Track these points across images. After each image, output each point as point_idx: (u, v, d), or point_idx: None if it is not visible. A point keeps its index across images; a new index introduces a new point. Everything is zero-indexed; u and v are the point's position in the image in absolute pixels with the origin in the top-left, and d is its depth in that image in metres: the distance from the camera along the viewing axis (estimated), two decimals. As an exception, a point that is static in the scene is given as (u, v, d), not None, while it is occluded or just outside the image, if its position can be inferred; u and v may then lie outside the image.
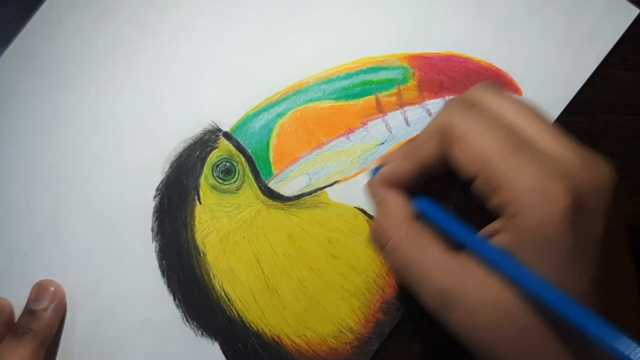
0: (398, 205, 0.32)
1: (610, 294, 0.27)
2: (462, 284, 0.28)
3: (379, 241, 0.32)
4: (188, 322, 0.41)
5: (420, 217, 0.31)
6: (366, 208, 0.42)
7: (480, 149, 0.28)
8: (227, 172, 0.42)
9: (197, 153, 0.42)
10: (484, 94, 0.31)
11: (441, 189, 0.34)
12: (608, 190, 0.27)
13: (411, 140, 0.32)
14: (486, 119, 0.28)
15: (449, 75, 0.42)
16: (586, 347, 0.26)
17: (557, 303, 0.25)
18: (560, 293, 0.25)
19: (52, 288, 0.41)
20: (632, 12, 0.43)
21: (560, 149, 0.27)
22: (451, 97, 0.42)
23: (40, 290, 0.41)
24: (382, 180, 0.33)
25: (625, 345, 0.23)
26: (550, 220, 0.26)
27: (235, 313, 0.41)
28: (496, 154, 0.27)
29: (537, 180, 0.26)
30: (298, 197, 0.42)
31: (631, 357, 0.23)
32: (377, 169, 0.34)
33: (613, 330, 0.24)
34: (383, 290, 0.41)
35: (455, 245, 0.29)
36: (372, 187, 0.34)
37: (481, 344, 0.28)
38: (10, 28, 0.45)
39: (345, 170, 0.42)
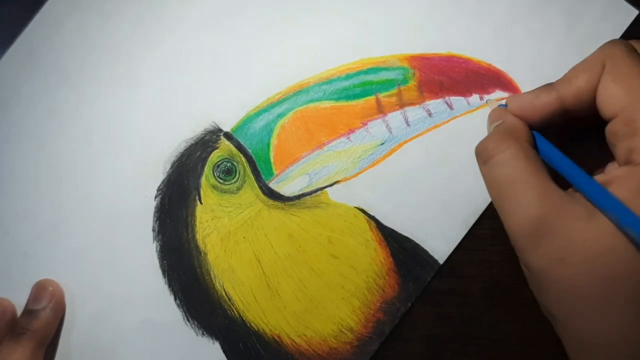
0: (520, 126, 0.31)
1: None
2: (565, 216, 0.27)
3: (487, 152, 0.30)
4: (189, 321, 0.41)
5: (534, 147, 0.30)
6: (366, 208, 0.42)
7: (630, 89, 0.27)
8: (227, 172, 0.42)
9: (198, 153, 0.43)
10: None
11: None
12: None
13: (551, 83, 0.32)
14: None
15: (449, 76, 0.43)
16: None
17: None
18: None
19: (51, 288, 0.41)
20: (631, 12, 0.43)
21: None
22: (451, 97, 0.42)
23: (38, 290, 0.41)
24: (510, 110, 0.32)
25: None
26: None
27: (235, 313, 0.41)
28: None
29: None
30: (298, 197, 0.42)
31: None
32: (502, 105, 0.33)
33: None
34: (383, 290, 0.41)
35: (567, 187, 0.29)
36: (494, 113, 0.33)
37: (561, 282, 0.27)
38: (11, 28, 0.45)
39: (346, 170, 0.42)
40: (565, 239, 0.27)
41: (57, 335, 0.42)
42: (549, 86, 0.31)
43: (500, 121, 0.32)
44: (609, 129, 0.28)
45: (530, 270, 0.28)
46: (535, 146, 0.31)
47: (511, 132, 0.30)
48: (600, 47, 0.30)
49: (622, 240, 0.26)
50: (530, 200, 0.28)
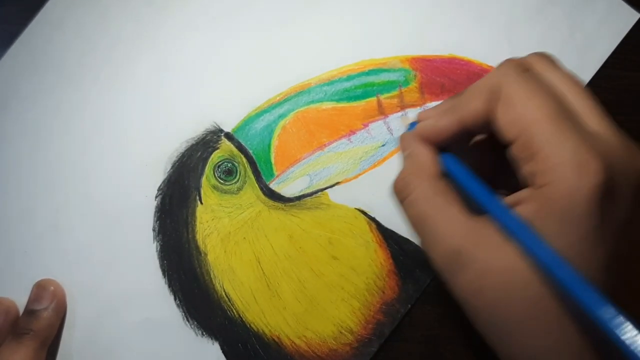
0: (426, 159, 0.32)
1: (624, 280, 0.27)
2: (476, 246, 0.28)
3: (401, 193, 0.32)
4: (188, 321, 0.41)
5: (446, 175, 0.31)
6: (367, 210, 0.42)
7: (524, 112, 0.28)
8: (228, 172, 0.42)
9: (199, 153, 0.43)
10: (539, 61, 0.31)
11: (472, 153, 0.34)
12: None
13: (452, 98, 0.32)
14: (536, 85, 0.28)
15: (450, 78, 0.43)
16: (594, 328, 0.25)
17: (566, 278, 0.25)
18: (572, 269, 0.25)
19: (52, 288, 0.41)
20: (633, 16, 0.43)
21: (603, 128, 0.28)
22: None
23: (39, 290, 0.41)
24: (416, 135, 0.33)
25: (622, 327, 0.23)
26: (580, 195, 0.25)
27: (235, 313, 0.41)
28: (539, 120, 0.27)
29: (574, 153, 0.26)
30: (299, 198, 0.42)
31: (625, 340, 0.23)
32: (413, 124, 0.34)
33: (614, 311, 0.24)
34: (383, 292, 0.41)
35: (476, 209, 0.29)
36: (404, 140, 0.34)
37: (484, 309, 0.28)
38: (11, 28, 0.45)
39: (347, 171, 0.42)
40: (480, 268, 0.27)
41: (58, 335, 0.42)
42: (449, 107, 0.31)
43: (408, 151, 0.33)
44: (510, 153, 0.29)
45: (456, 299, 0.29)
46: (445, 170, 0.31)
47: (419, 169, 0.31)
48: (496, 69, 0.30)
49: (529, 263, 0.27)
50: (445, 234, 0.29)
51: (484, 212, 0.29)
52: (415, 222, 0.31)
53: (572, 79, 0.30)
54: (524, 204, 0.28)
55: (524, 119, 0.28)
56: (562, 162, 0.26)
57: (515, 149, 0.28)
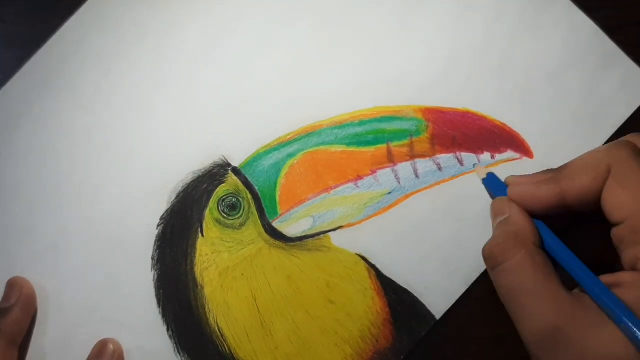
0: (526, 226, 0.31)
1: None
2: (575, 326, 0.27)
3: (496, 258, 0.31)
4: (179, 353, 0.42)
5: (541, 247, 0.31)
6: (368, 256, 0.42)
7: (636, 196, 0.28)
8: (232, 207, 0.43)
9: (205, 186, 0.43)
10: None
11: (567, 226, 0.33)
12: None
13: (551, 170, 0.32)
14: None
15: (462, 132, 0.43)
16: None
17: None
18: None
19: (19, 285, 0.42)
20: (650, 83, 0.43)
21: None
22: (462, 153, 0.43)
23: (7, 288, 0.42)
24: (513, 200, 0.32)
25: None
26: None
27: (227, 349, 0.41)
28: None
29: None
30: (301, 238, 0.43)
31: None
32: (493, 181, 0.34)
33: None
34: (377, 340, 0.41)
35: (570, 285, 0.29)
36: (499, 203, 0.33)
37: None
38: (11, 28, 0.46)
39: (351, 216, 0.43)
40: (577, 349, 0.27)
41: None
42: (551, 177, 0.31)
43: (505, 216, 0.32)
44: (615, 233, 0.28)
45: None
46: (541, 241, 0.31)
47: (517, 235, 0.30)
48: (607, 147, 0.30)
49: (632, 349, 0.26)
50: (541, 310, 0.28)
51: (581, 289, 0.29)
52: (507, 292, 0.30)
53: None
54: (627, 288, 0.27)
55: (635, 201, 0.28)
56: None
57: (622, 231, 0.28)
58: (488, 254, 0.31)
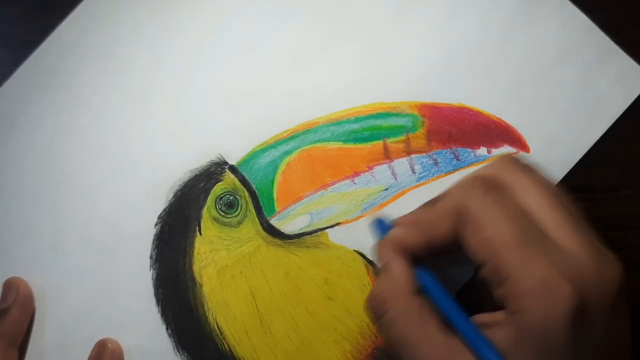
0: (401, 275, 0.32)
1: None
2: None
3: (376, 311, 0.32)
4: (179, 352, 0.42)
5: (421, 290, 0.32)
6: (365, 252, 0.43)
7: (492, 237, 0.28)
8: (230, 205, 0.43)
9: (202, 184, 0.44)
10: (508, 172, 0.31)
11: (448, 263, 0.34)
12: (614, 293, 0.28)
13: (423, 207, 0.33)
14: (504, 206, 0.29)
15: (458, 127, 0.44)
16: None
17: None
18: None
19: (16, 285, 0.43)
20: (646, 78, 0.44)
21: (574, 244, 0.28)
22: (458, 149, 0.43)
23: (4, 289, 0.43)
24: (390, 244, 0.33)
25: None
26: (553, 323, 0.26)
27: (226, 347, 0.42)
28: (507, 245, 0.28)
29: (544, 278, 0.26)
30: (298, 236, 0.43)
31: None
32: (380, 222, 0.35)
33: None
34: (376, 336, 0.42)
35: (450, 325, 0.30)
36: (380, 249, 0.34)
37: None
38: (7, 28, 0.47)
39: (348, 212, 0.43)
40: None
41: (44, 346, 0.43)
42: (420, 222, 0.32)
43: (386, 260, 0.33)
44: (481, 274, 0.29)
45: None
46: (421, 285, 0.32)
47: (394, 286, 0.31)
48: (461, 188, 0.31)
49: None
50: (422, 357, 0.29)
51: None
52: (392, 342, 0.31)
53: (541, 188, 0.30)
54: (499, 328, 0.28)
55: (491, 243, 0.28)
56: (531, 290, 0.26)
57: (485, 272, 0.29)
58: (370, 306, 0.32)
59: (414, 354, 0.29)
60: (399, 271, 0.32)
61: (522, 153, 0.43)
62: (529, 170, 0.31)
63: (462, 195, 0.30)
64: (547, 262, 0.27)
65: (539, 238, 0.28)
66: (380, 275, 0.33)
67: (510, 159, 0.32)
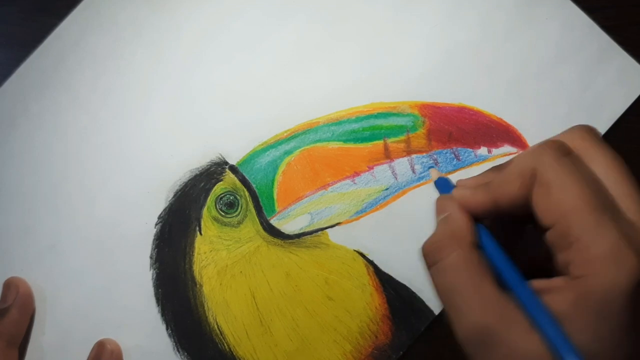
0: (463, 226, 0.31)
1: None
2: (506, 328, 0.28)
3: (433, 256, 0.31)
4: (179, 352, 0.42)
5: (480, 247, 0.31)
6: (366, 252, 0.43)
7: (563, 200, 0.28)
8: (230, 205, 0.43)
9: (202, 184, 0.44)
10: (581, 141, 0.30)
11: (510, 229, 0.34)
12: None
13: (492, 170, 0.32)
14: (576, 172, 0.29)
15: (458, 127, 0.44)
16: None
17: None
18: None
19: (15, 285, 0.43)
20: (646, 77, 0.44)
21: None
22: (459, 148, 0.43)
23: (4, 289, 0.43)
24: (455, 200, 0.32)
25: None
26: (616, 292, 0.26)
27: (226, 347, 0.42)
28: (578, 210, 0.27)
29: (613, 246, 0.26)
30: (299, 235, 0.43)
31: None
32: (443, 181, 0.34)
33: None
34: (376, 336, 0.42)
35: (504, 286, 0.30)
36: (441, 202, 0.33)
37: None
38: (7, 28, 0.47)
39: (348, 212, 0.43)
40: (507, 350, 0.27)
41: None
42: (488, 184, 0.31)
43: (445, 215, 0.32)
44: (547, 238, 0.29)
45: None
46: (480, 242, 0.31)
47: (454, 235, 0.31)
48: (532, 151, 0.30)
49: (551, 357, 0.27)
50: (472, 310, 0.29)
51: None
52: (443, 290, 0.30)
53: (614, 161, 0.30)
54: (558, 293, 0.28)
55: (562, 207, 0.28)
56: (600, 256, 0.26)
57: (552, 235, 0.28)
58: (425, 251, 0.32)
59: (463, 306, 0.29)
60: (461, 222, 0.31)
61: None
62: (601, 141, 0.31)
63: (534, 158, 0.30)
64: (618, 230, 0.27)
65: (610, 207, 0.28)
66: (439, 225, 0.32)
67: (585, 128, 0.31)
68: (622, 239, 0.26)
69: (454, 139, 0.44)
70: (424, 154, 0.44)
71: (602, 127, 0.44)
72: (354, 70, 0.46)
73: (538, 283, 0.29)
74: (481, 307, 0.28)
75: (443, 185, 0.35)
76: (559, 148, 0.30)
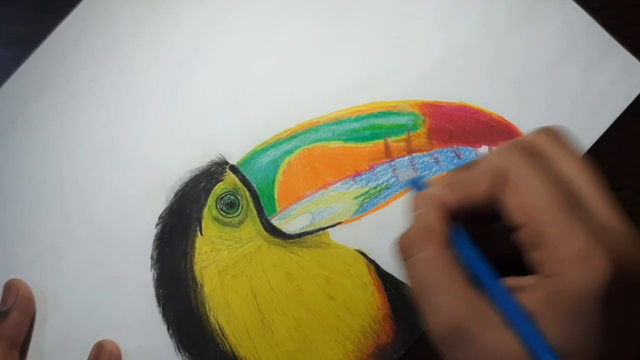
0: (437, 224, 0.31)
1: None
2: (479, 324, 0.28)
3: (407, 250, 0.31)
4: (180, 352, 0.42)
5: (453, 245, 0.31)
6: (367, 252, 0.43)
7: (532, 200, 0.28)
8: (230, 205, 0.44)
9: (203, 184, 0.44)
10: (548, 142, 0.31)
11: (481, 226, 0.34)
12: None
13: (462, 168, 0.33)
14: (544, 171, 0.29)
15: (459, 125, 0.44)
16: None
17: None
18: None
19: (16, 287, 0.43)
20: (647, 75, 0.44)
21: (613, 219, 0.28)
22: (460, 147, 0.44)
23: (4, 291, 0.43)
24: (428, 196, 0.33)
25: None
26: (586, 291, 0.26)
27: (228, 347, 0.42)
28: (548, 209, 0.28)
29: (583, 246, 0.27)
30: (300, 235, 0.44)
31: None
32: (414, 181, 0.34)
33: None
34: (378, 336, 0.42)
35: (477, 283, 0.30)
36: (417, 199, 0.33)
37: None
38: (6, 28, 0.47)
39: (349, 212, 0.44)
40: (479, 347, 0.28)
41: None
42: (458, 182, 0.31)
43: (420, 211, 0.32)
44: (516, 237, 0.29)
45: None
46: (453, 241, 0.31)
47: (429, 230, 0.31)
48: (500, 151, 0.30)
49: (525, 353, 0.27)
50: (445, 305, 0.29)
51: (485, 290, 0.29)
52: (416, 283, 0.31)
53: (581, 162, 0.30)
54: (529, 292, 0.28)
55: (531, 206, 0.28)
56: (569, 255, 0.27)
57: (523, 234, 0.28)
58: (400, 245, 0.32)
59: (436, 300, 0.29)
60: (434, 219, 0.31)
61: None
62: (567, 142, 0.31)
63: (501, 157, 0.30)
64: (586, 231, 0.27)
65: (580, 206, 0.28)
66: (415, 221, 0.33)
67: (551, 129, 0.32)
68: (591, 238, 0.27)
69: (454, 138, 0.44)
70: (425, 153, 0.44)
71: (603, 125, 0.44)
72: (354, 70, 0.46)
73: (511, 281, 0.29)
74: (454, 302, 0.29)
75: (417, 184, 0.35)
76: (525, 148, 0.30)
